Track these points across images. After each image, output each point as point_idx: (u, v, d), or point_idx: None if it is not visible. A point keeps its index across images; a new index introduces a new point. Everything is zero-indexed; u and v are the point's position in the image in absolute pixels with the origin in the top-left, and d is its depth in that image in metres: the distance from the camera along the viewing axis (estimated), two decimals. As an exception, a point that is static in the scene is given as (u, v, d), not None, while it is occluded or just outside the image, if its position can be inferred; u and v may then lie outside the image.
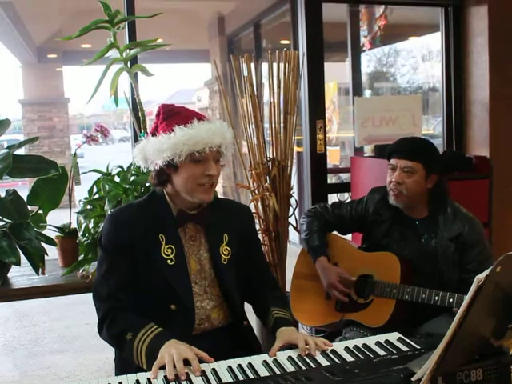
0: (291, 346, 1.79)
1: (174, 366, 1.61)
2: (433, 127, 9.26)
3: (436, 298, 2.24)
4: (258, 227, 3.21)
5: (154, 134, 1.89)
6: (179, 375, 1.59)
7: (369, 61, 9.19)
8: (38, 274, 2.57)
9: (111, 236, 1.90)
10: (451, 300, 2.20)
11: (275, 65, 3.24)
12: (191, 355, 1.65)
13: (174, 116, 1.86)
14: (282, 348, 1.78)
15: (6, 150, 2.51)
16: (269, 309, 1.98)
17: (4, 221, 2.54)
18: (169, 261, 1.88)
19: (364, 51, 6.86)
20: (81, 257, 2.71)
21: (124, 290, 1.87)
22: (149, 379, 1.60)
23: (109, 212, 2.48)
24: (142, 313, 1.85)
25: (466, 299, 1.31)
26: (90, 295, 2.57)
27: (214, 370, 1.63)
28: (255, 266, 2.08)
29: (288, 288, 3.18)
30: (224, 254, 1.96)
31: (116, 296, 1.87)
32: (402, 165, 2.38)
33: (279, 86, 3.22)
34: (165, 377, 1.60)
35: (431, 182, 2.41)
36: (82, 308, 4.88)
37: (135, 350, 1.75)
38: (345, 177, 6.17)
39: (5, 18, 8.23)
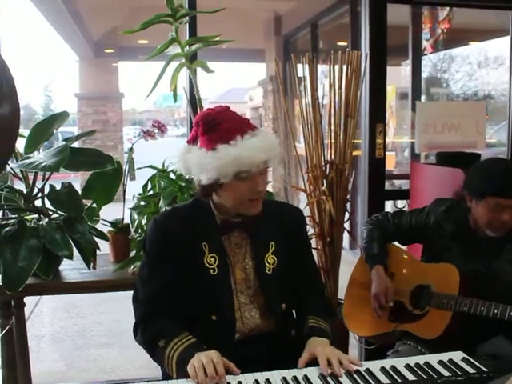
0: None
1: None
2: (489, 135, 9.00)
3: (495, 311, 2.12)
4: (312, 231, 3.13)
5: (194, 142, 1.79)
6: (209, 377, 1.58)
7: (424, 66, 9.02)
8: (89, 269, 2.55)
9: (154, 243, 1.86)
10: None
11: (337, 66, 3.14)
12: (217, 359, 1.61)
13: (214, 130, 1.73)
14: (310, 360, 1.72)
15: (64, 143, 2.49)
16: (306, 317, 1.92)
17: (58, 213, 2.52)
18: (211, 270, 1.83)
19: (425, 55, 6.70)
20: (132, 253, 2.69)
21: (163, 296, 1.84)
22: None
23: (163, 209, 2.45)
24: (181, 321, 1.81)
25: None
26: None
27: (239, 382, 1.59)
28: (302, 273, 2.00)
29: (340, 294, 3.09)
30: (269, 264, 1.89)
31: (154, 301, 1.84)
32: None
33: (340, 87, 3.13)
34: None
35: None
36: (130, 303, 4.88)
37: (166, 358, 1.72)
38: (398, 183, 6.02)
39: (65, 13, 8.37)
